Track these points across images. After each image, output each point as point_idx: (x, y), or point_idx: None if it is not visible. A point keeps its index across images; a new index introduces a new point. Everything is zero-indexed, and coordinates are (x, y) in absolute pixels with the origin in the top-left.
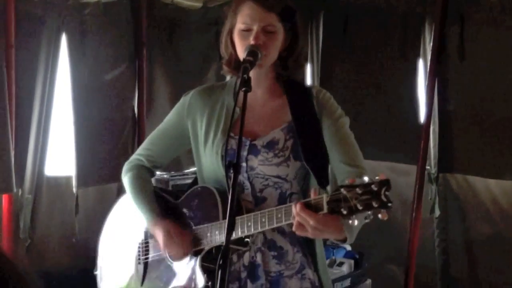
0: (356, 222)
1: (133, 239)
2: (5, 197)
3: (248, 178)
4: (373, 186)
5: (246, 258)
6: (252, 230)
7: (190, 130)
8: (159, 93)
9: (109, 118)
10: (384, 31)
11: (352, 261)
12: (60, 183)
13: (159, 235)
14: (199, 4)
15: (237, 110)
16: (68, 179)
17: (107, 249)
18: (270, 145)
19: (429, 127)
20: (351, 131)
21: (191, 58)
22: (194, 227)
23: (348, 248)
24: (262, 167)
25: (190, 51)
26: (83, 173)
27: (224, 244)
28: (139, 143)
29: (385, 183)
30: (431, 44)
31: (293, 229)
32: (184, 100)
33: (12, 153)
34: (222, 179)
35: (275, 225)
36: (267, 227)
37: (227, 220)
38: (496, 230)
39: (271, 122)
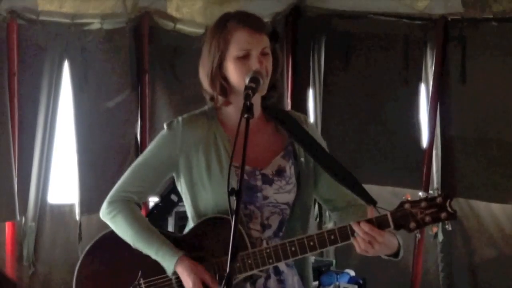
0: (419, 236)
1: (121, 281)
2: (8, 225)
3: (259, 208)
4: (438, 199)
5: (259, 285)
6: (299, 254)
7: (183, 164)
8: (161, 120)
9: (112, 145)
10: (386, 56)
11: (356, 286)
12: (63, 211)
13: (189, 278)
14: (201, 31)
15: (229, 138)
16: (71, 206)
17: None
18: (280, 173)
19: (431, 151)
20: None
21: (193, 84)
22: (214, 261)
23: (352, 273)
24: (276, 196)
25: (192, 77)
26: (86, 200)
27: (228, 272)
28: None
29: (449, 196)
30: (433, 68)
31: (359, 248)
32: (173, 133)
33: (15, 181)
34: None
35: (328, 247)
36: (317, 250)
37: (230, 247)
38: (500, 254)
39: (269, 150)
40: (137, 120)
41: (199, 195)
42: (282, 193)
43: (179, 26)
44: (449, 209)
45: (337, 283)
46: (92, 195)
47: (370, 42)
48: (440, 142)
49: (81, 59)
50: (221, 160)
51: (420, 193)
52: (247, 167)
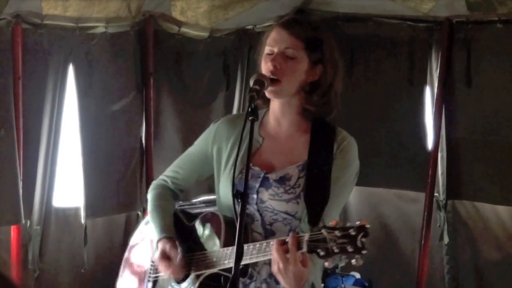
0: (331, 265)
1: (149, 257)
2: (13, 229)
3: (258, 210)
4: (351, 230)
5: None
6: (255, 258)
7: (215, 157)
8: (166, 123)
9: (117, 148)
10: (391, 59)
11: None
12: (68, 214)
13: (158, 252)
14: (205, 34)
15: (259, 140)
16: (76, 210)
17: (128, 265)
18: (282, 181)
19: (437, 154)
20: (348, 189)
21: (198, 87)
22: (198, 252)
23: (358, 276)
24: (271, 202)
25: (197, 80)
26: (91, 204)
27: (232, 272)
28: (147, 174)
29: (363, 229)
30: (438, 70)
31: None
32: (212, 127)
33: (20, 184)
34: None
35: (263, 258)
36: (257, 260)
37: (235, 248)
38: (506, 256)
39: (289, 157)
40: (142, 124)
41: (218, 185)
42: (277, 200)
43: (184, 29)
44: (358, 243)
45: (343, 286)
46: (97, 198)
47: (375, 44)
48: (445, 144)
49: (85, 63)
50: (237, 157)
51: (349, 223)
52: (256, 168)
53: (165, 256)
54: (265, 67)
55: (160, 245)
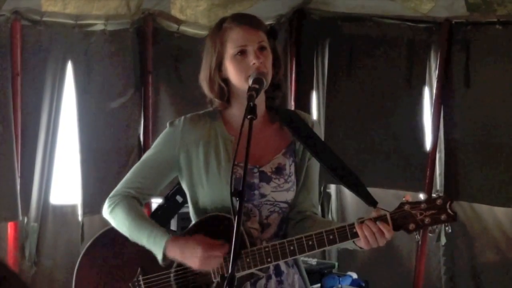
0: (418, 237)
1: (121, 277)
2: (10, 225)
3: (257, 206)
4: (438, 201)
5: (259, 286)
6: (298, 253)
7: (183, 161)
8: (164, 121)
9: (115, 146)
10: (390, 59)
11: None
12: (65, 211)
13: (189, 253)
14: (204, 32)
15: (231, 138)
16: (73, 207)
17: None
18: (279, 171)
19: (435, 154)
20: None
21: (196, 86)
22: None
23: (354, 276)
24: (274, 194)
25: (195, 79)
26: (88, 201)
27: (230, 272)
28: None
29: (449, 198)
30: (437, 71)
31: (364, 244)
32: (173, 130)
33: (18, 181)
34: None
35: (326, 247)
36: (316, 250)
37: (232, 249)
38: (503, 258)
39: (271, 148)
40: (140, 121)
41: (198, 193)
42: (280, 191)
43: (183, 27)
44: (449, 211)
45: (340, 286)
46: (94, 195)
47: (374, 45)
48: (443, 145)
49: (84, 60)
50: (219, 158)
51: (421, 195)
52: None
53: (204, 244)
54: (241, 68)
55: (187, 246)
